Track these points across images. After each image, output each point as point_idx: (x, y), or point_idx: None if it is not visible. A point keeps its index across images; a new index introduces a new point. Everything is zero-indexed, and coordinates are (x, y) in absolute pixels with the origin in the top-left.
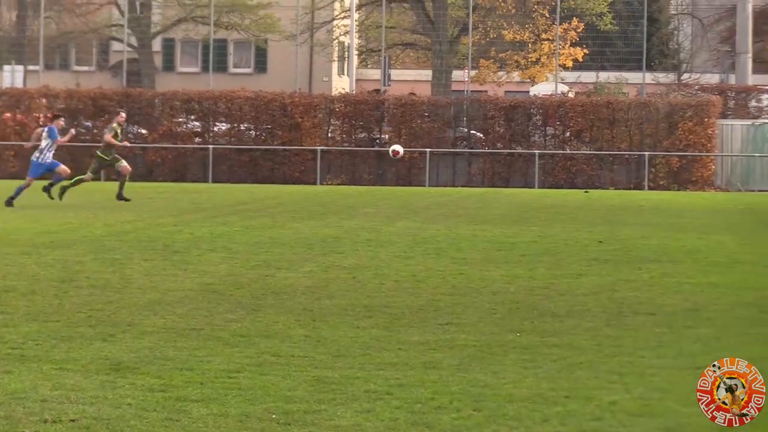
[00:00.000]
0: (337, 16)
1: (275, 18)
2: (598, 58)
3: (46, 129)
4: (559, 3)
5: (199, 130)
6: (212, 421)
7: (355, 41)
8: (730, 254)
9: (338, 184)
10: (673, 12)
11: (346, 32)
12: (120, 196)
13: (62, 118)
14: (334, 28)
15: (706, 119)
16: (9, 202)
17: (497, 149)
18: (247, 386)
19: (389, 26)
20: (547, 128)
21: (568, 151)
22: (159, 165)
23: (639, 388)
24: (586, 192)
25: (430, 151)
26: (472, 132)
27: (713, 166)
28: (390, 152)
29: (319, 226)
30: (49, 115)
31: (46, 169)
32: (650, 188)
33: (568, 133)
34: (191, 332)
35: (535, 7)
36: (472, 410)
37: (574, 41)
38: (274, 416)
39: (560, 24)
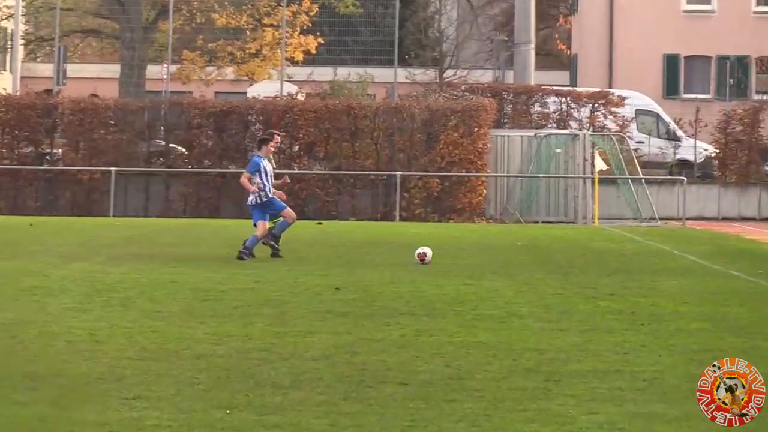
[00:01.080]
0: None
1: None
2: (336, 49)
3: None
4: None
5: None
6: None
7: (21, 27)
8: (505, 305)
9: None
10: None
11: (10, 15)
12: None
13: (270, 143)
14: None
15: (475, 129)
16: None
17: (204, 168)
18: None
19: (66, 8)
20: None
21: (297, 171)
22: None
23: None
24: (319, 224)
25: (116, 171)
26: (171, 146)
27: (484, 191)
28: (416, 256)
29: None
30: None
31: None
32: (403, 219)
33: (296, 147)
34: None
35: None
36: None
37: (305, 27)
38: None
39: (287, 5)
